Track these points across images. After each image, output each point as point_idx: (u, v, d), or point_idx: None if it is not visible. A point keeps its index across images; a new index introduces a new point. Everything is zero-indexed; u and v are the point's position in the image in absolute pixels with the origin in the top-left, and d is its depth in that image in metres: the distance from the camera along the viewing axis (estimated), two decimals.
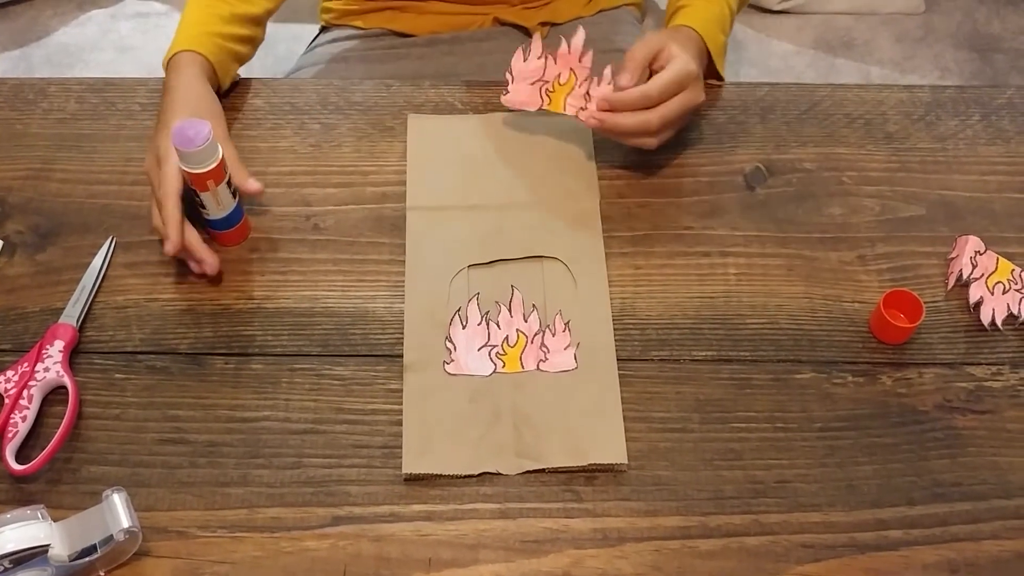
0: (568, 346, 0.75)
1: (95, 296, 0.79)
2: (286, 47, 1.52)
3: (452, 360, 0.75)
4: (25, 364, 0.73)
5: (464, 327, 0.76)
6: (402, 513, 0.68)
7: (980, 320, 0.78)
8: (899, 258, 0.82)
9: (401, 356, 0.75)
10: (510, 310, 0.77)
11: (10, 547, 0.61)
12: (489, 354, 0.75)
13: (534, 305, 0.78)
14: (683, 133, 0.89)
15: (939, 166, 0.88)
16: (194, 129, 0.74)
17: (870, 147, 0.89)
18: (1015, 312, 0.78)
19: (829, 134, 0.90)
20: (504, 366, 0.74)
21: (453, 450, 0.70)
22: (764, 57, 1.54)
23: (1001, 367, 0.76)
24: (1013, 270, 0.80)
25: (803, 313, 0.78)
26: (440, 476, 0.69)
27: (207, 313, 0.78)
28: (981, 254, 0.80)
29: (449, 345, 0.75)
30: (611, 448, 0.70)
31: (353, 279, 0.80)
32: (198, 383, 0.74)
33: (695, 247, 0.82)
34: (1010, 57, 1.54)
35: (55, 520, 0.64)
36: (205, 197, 0.77)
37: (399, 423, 0.72)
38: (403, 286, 0.79)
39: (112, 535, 0.62)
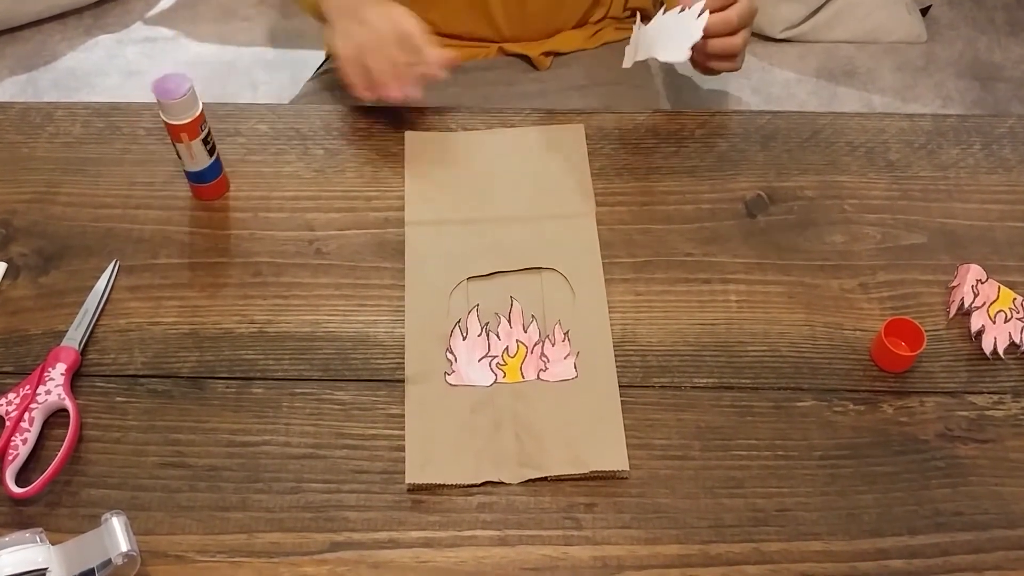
0: (568, 355, 0.76)
1: (98, 319, 0.79)
2: (291, 73, 1.53)
3: (453, 371, 0.75)
4: (27, 387, 0.73)
5: (464, 338, 0.77)
6: (401, 539, 0.68)
7: (982, 349, 0.78)
8: (900, 286, 0.82)
9: (402, 381, 0.75)
10: (509, 321, 0.78)
11: (8, 571, 0.61)
12: (490, 365, 0.76)
13: (533, 316, 0.78)
14: (684, 161, 0.90)
15: (940, 194, 0.88)
16: (175, 82, 0.79)
17: (871, 175, 0.89)
18: (1017, 341, 0.78)
19: (830, 162, 0.90)
20: (505, 376, 0.75)
21: (456, 460, 0.71)
22: (766, 85, 1.55)
23: (1003, 396, 0.76)
24: (1015, 299, 0.80)
25: (804, 341, 0.78)
26: (440, 500, 0.69)
27: (209, 337, 0.78)
28: (983, 283, 0.80)
29: (450, 356, 0.76)
30: (612, 455, 0.71)
31: (355, 304, 0.80)
32: (199, 407, 0.74)
33: (696, 274, 0.82)
34: (1012, 86, 1.55)
35: (54, 543, 0.64)
36: (179, 148, 0.83)
37: (399, 448, 0.72)
38: (404, 311, 0.79)
39: (111, 559, 0.62)
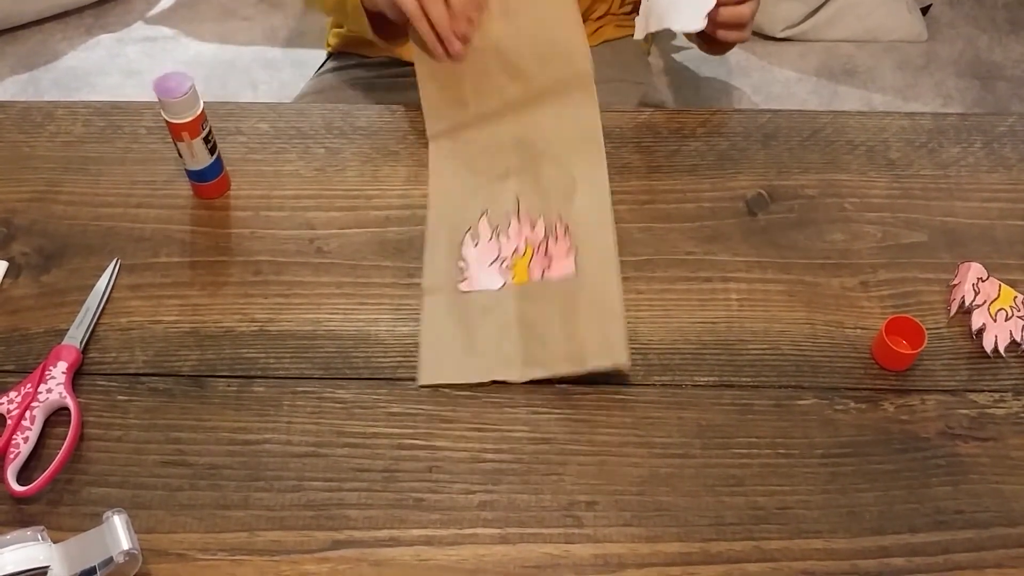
0: (569, 250, 0.79)
1: (99, 318, 0.79)
2: (292, 72, 1.53)
3: (465, 278, 0.79)
4: (28, 385, 0.73)
5: (476, 245, 0.81)
6: (402, 537, 0.68)
7: (982, 347, 0.78)
8: (901, 284, 0.82)
9: (403, 379, 0.75)
10: (519, 218, 0.82)
11: (9, 568, 0.61)
12: (499, 267, 0.80)
13: (541, 213, 0.82)
14: (685, 159, 0.90)
15: (941, 193, 0.88)
16: (176, 80, 0.79)
17: (872, 174, 0.90)
18: (1017, 339, 0.78)
19: (831, 160, 0.90)
20: (513, 278, 0.79)
21: (465, 363, 0.75)
22: (766, 84, 1.55)
23: (1004, 394, 0.76)
24: (1015, 297, 0.80)
25: (805, 339, 0.78)
26: (441, 498, 0.69)
27: (210, 335, 0.78)
28: (983, 281, 0.80)
29: (462, 264, 0.80)
30: (611, 352, 0.73)
31: (356, 302, 0.80)
32: (200, 405, 0.74)
33: (697, 272, 0.82)
34: (1012, 85, 1.55)
35: (55, 542, 0.64)
36: (180, 147, 0.83)
37: (400, 447, 0.72)
38: (405, 309, 0.79)
39: (112, 557, 0.62)
